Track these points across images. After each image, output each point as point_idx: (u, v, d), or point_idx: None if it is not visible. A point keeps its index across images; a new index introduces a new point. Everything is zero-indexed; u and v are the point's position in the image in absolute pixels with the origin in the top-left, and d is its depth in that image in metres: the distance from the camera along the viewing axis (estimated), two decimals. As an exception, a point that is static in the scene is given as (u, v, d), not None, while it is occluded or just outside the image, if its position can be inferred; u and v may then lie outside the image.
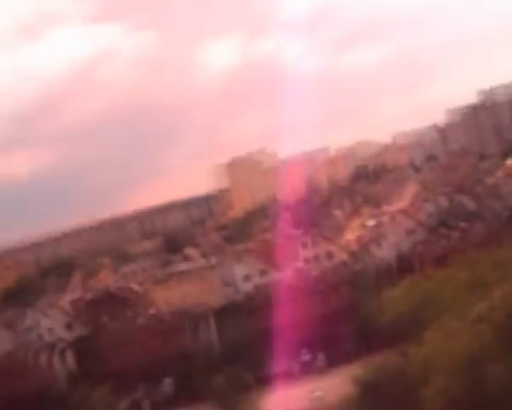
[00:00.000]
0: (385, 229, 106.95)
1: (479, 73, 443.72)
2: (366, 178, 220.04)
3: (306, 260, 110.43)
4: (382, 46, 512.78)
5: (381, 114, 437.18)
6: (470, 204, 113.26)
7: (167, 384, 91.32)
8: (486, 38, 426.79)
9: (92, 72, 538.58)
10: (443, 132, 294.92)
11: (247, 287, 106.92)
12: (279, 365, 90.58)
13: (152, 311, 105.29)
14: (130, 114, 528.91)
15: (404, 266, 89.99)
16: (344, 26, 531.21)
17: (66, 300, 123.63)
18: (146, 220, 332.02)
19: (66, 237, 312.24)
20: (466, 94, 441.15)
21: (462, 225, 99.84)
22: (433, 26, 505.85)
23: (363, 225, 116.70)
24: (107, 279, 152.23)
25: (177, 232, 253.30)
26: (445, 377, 44.18)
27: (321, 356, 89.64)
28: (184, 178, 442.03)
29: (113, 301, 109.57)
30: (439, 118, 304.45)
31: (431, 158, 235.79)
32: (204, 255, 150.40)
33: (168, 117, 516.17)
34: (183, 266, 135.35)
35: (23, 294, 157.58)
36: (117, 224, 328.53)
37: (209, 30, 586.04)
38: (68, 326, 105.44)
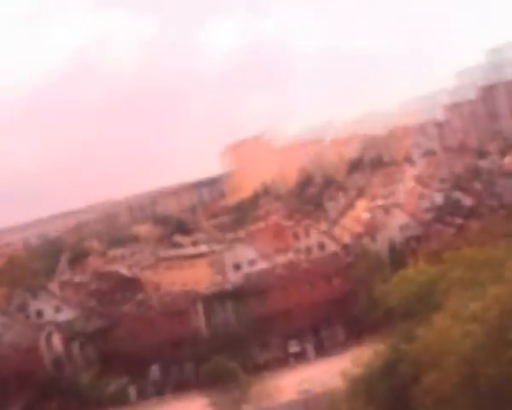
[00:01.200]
0: (379, 222, 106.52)
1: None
2: (361, 171, 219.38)
3: (298, 251, 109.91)
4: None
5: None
6: (466, 201, 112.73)
7: (154, 371, 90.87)
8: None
9: (94, 56, 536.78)
10: (441, 127, 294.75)
11: (238, 275, 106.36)
12: (268, 354, 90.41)
13: (141, 296, 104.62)
14: (132, 97, 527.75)
15: (398, 260, 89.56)
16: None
17: (55, 282, 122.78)
18: (139, 205, 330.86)
19: (56, 218, 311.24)
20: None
21: (458, 221, 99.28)
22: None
23: (357, 218, 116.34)
24: (96, 263, 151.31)
25: (169, 218, 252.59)
26: (435, 374, 43.86)
27: (310, 347, 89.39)
28: (186, 161, 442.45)
29: (102, 286, 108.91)
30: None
31: (428, 153, 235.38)
32: (195, 243, 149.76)
33: (171, 100, 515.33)
34: (173, 253, 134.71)
35: (11, 275, 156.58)
36: (110, 208, 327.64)
37: (210, 11, 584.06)
38: (57, 309, 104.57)
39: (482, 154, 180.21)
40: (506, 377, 39.68)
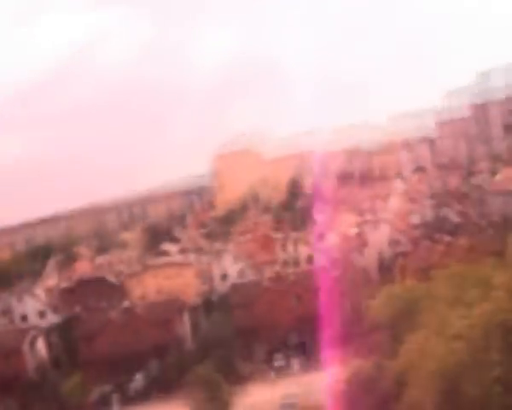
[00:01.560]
0: (368, 237, 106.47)
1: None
2: (351, 184, 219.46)
3: (286, 263, 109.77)
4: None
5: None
6: (456, 218, 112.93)
7: (138, 379, 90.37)
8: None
9: (88, 56, 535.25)
10: (433, 144, 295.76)
11: (224, 286, 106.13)
12: (252, 366, 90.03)
13: (127, 304, 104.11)
14: (124, 99, 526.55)
15: (385, 275, 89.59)
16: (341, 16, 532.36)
17: (40, 287, 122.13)
18: (128, 211, 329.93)
19: (44, 222, 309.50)
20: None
21: (447, 238, 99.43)
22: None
23: (346, 232, 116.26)
24: (83, 268, 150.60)
25: (158, 226, 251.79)
26: (418, 392, 43.88)
27: (295, 361, 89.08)
28: (176, 165, 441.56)
29: (87, 291, 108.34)
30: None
31: (419, 169, 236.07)
32: (183, 251, 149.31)
33: (163, 103, 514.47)
34: (161, 261, 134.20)
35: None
36: (98, 213, 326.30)
37: (206, 15, 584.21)
38: (41, 314, 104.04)
39: (472, 172, 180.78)
40: (488, 397, 39.68)
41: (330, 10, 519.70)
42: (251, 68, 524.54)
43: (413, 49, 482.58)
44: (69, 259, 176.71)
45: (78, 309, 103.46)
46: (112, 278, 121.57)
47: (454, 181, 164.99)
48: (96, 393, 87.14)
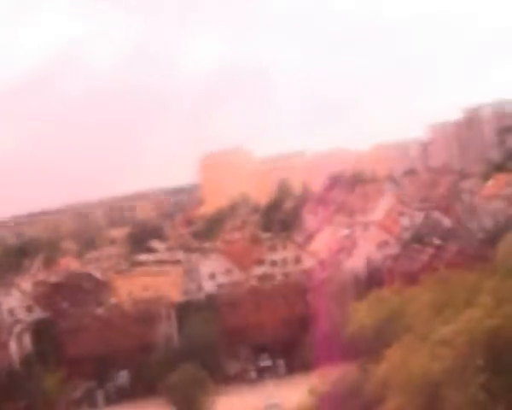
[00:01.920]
0: (357, 239, 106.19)
1: (464, 89, 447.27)
2: (342, 187, 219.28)
3: (273, 264, 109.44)
4: (371, 53, 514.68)
5: (362, 123, 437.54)
6: (446, 222, 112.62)
7: (123, 376, 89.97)
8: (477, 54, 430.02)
9: (75, 58, 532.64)
10: (425, 147, 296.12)
11: (212, 285, 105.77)
12: (238, 366, 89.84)
13: (113, 300, 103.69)
14: (113, 98, 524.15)
15: (374, 278, 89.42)
16: (332, 29, 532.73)
17: (28, 281, 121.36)
18: (115, 208, 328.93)
19: (33, 218, 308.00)
20: (451, 110, 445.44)
21: (437, 242, 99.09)
22: (426, 37, 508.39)
23: (335, 234, 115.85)
24: (70, 264, 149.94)
25: (145, 223, 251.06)
26: (401, 396, 43.81)
27: (281, 362, 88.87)
28: (163, 167, 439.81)
29: (74, 288, 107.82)
30: (421, 132, 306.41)
31: (411, 172, 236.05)
32: (170, 249, 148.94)
33: (151, 104, 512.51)
34: (148, 258, 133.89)
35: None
36: (86, 209, 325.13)
37: (195, 21, 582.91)
38: (28, 308, 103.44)
39: (464, 176, 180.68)
40: (472, 403, 39.59)
41: (318, 24, 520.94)
42: (238, 76, 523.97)
43: (401, 76, 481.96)
44: (57, 254, 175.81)
45: (64, 305, 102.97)
46: (99, 275, 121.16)
47: (445, 185, 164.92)
48: (80, 389, 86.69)
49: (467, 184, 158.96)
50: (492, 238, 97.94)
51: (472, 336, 41.86)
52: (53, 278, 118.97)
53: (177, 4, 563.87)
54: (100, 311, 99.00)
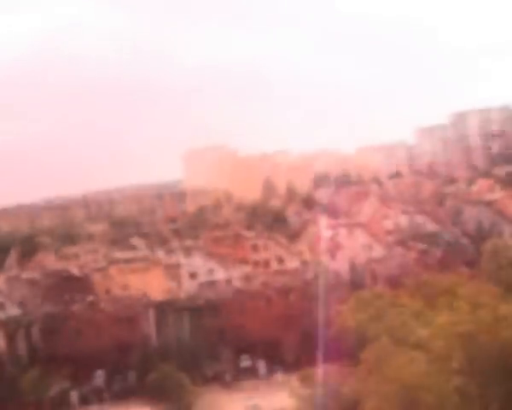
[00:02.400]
0: (341, 241, 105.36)
1: (451, 95, 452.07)
2: (327, 187, 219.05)
3: (256, 263, 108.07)
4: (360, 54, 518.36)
5: (349, 125, 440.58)
6: (431, 226, 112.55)
7: (99, 376, 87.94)
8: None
9: (62, 45, 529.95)
10: (411, 151, 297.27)
11: (193, 284, 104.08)
12: (218, 367, 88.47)
13: (90, 298, 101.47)
14: (96, 93, 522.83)
15: (357, 280, 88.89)
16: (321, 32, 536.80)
17: (1, 278, 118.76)
18: (94, 204, 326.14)
19: (7, 213, 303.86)
20: (437, 115, 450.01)
21: (420, 246, 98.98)
22: (414, 42, 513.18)
23: (319, 235, 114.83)
24: (46, 260, 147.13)
25: (126, 219, 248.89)
26: (376, 400, 43.80)
27: (262, 363, 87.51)
28: (146, 162, 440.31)
29: (50, 284, 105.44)
30: (408, 136, 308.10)
31: (396, 175, 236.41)
32: (151, 246, 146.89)
33: (135, 99, 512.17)
34: (127, 255, 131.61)
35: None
36: (64, 204, 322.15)
37: (190, 15, 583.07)
38: (1, 305, 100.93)
39: (449, 180, 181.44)
40: (447, 406, 39.81)
41: (307, 26, 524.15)
42: (226, 74, 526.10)
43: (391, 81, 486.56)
44: (32, 250, 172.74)
45: (38, 302, 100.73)
46: (76, 271, 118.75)
47: (430, 189, 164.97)
48: (54, 389, 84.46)
49: (452, 189, 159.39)
50: (476, 243, 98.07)
51: (447, 339, 42.09)
52: (28, 274, 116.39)
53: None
54: (76, 308, 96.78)
